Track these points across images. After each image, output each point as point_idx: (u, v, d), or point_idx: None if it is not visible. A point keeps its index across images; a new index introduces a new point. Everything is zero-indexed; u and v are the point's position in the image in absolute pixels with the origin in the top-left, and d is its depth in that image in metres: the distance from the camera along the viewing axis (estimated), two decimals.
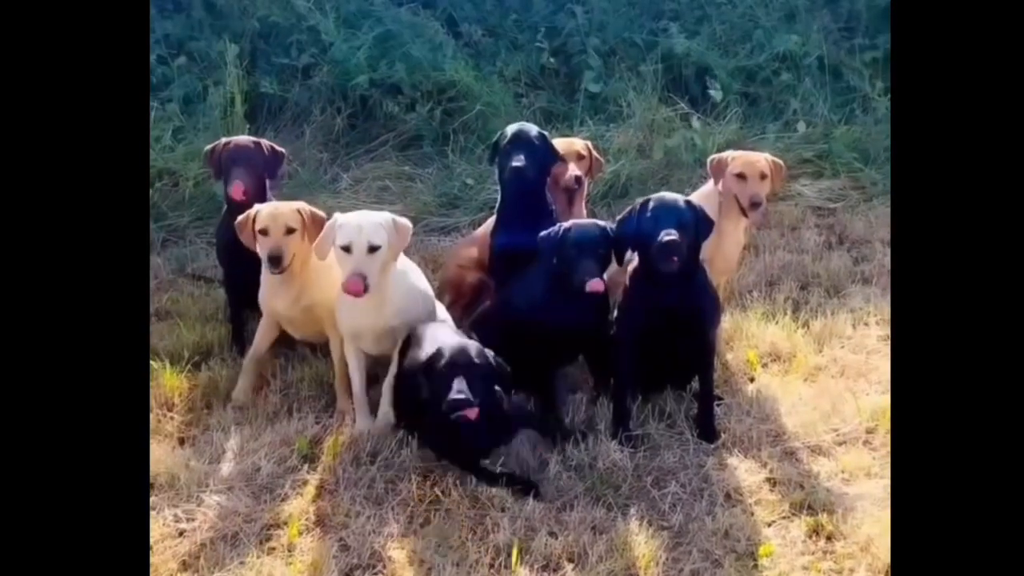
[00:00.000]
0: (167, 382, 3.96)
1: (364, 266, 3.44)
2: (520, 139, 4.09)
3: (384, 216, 3.59)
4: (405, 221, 3.66)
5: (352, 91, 6.89)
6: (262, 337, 4.01)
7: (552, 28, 7.39)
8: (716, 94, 7.00)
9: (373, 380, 3.90)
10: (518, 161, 4.01)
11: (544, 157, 4.15)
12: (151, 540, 3.05)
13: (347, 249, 3.48)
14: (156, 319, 4.70)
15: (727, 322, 4.47)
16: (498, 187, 4.40)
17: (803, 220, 5.95)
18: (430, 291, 3.94)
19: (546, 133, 4.26)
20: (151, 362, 4.04)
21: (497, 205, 4.30)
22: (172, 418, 3.80)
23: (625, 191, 6.21)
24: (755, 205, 3.97)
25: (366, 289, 3.42)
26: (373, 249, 3.48)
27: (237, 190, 4.13)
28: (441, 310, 4.03)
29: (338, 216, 3.59)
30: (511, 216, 4.16)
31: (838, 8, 7.53)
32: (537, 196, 4.13)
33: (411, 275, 3.82)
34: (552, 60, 7.23)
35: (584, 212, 4.63)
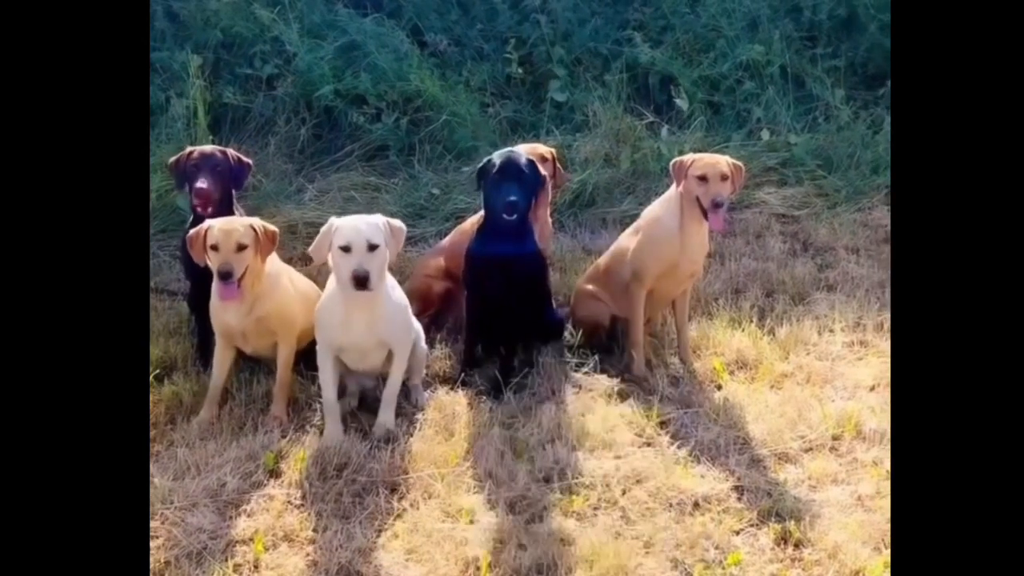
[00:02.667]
0: None
1: (366, 264, 3.46)
2: (509, 170, 4.05)
3: (379, 218, 3.61)
4: (398, 223, 3.68)
5: (317, 102, 6.85)
6: (220, 363, 3.94)
7: (518, 38, 7.38)
8: (681, 103, 7.04)
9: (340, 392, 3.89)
10: (512, 196, 3.98)
11: (533, 185, 4.14)
12: None
13: (346, 249, 3.49)
14: None
15: (694, 330, 4.49)
16: (464, 197, 4.40)
17: (768, 228, 5.99)
18: (409, 307, 3.93)
19: (533, 159, 4.23)
20: None
21: (482, 222, 4.24)
22: None
23: (592, 200, 6.23)
24: (717, 206, 3.98)
25: (368, 287, 3.46)
26: (372, 247, 3.50)
27: (201, 190, 4.11)
28: (416, 324, 4.03)
29: (334, 220, 3.60)
30: (493, 231, 4.12)
31: (800, 18, 7.59)
32: (522, 218, 4.11)
33: (397, 290, 3.83)
34: (518, 70, 7.23)
35: (548, 218, 4.61)
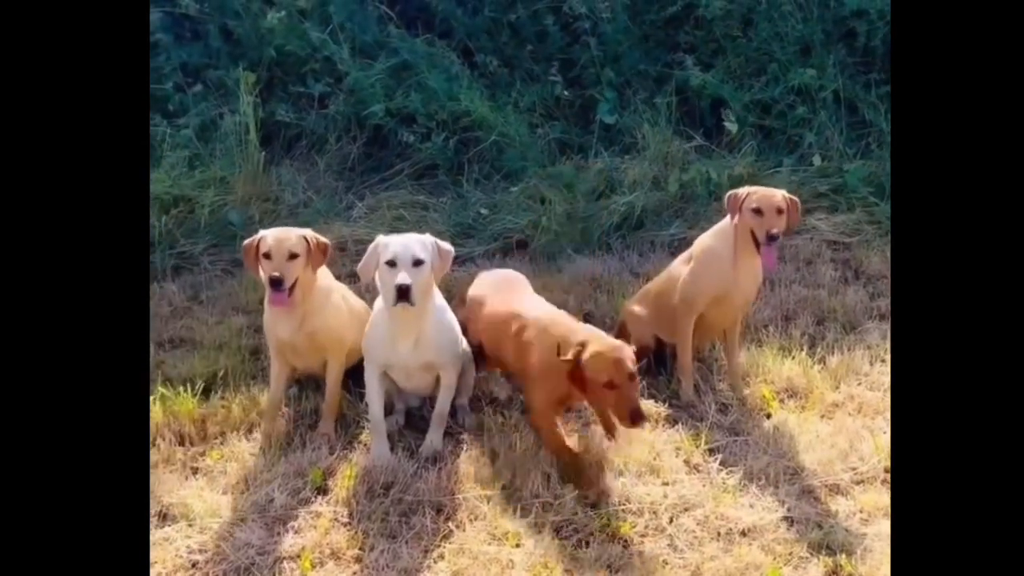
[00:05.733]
0: (180, 410, 3.95)
1: (409, 277, 3.46)
2: None
3: (428, 237, 3.62)
4: (447, 245, 3.68)
5: (367, 120, 6.92)
6: (276, 378, 3.97)
7: (567, 60, 7.40)
8: (731, 127, 6.99)
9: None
10: None
11: None
12: (164, 572, 3.04)
13: (392, 263, 3.50)
14: (170, 346, 4.71)
15: (743, 357, 4.44)
16: (511, 218, 4.36)
17: (819, 255, 5.91)
18: (459, 329, 3.94)
19: None
20: (164, 390, 4.04)
21: None
22: (186, 448, 3.77)
23: (640, 223, 6.20)
24: (772, 239, 3.95)
25: (410, 300, 3.45)
26: (417, 262, 3.50)
27: None
28: (466, 345, 4.04)
29: (381, 238, 3.61)
30: None
31: (854, 43, 7.49)
32: None
33: (447, 312, 3.84)
34: (567, 91, 7.24)
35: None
